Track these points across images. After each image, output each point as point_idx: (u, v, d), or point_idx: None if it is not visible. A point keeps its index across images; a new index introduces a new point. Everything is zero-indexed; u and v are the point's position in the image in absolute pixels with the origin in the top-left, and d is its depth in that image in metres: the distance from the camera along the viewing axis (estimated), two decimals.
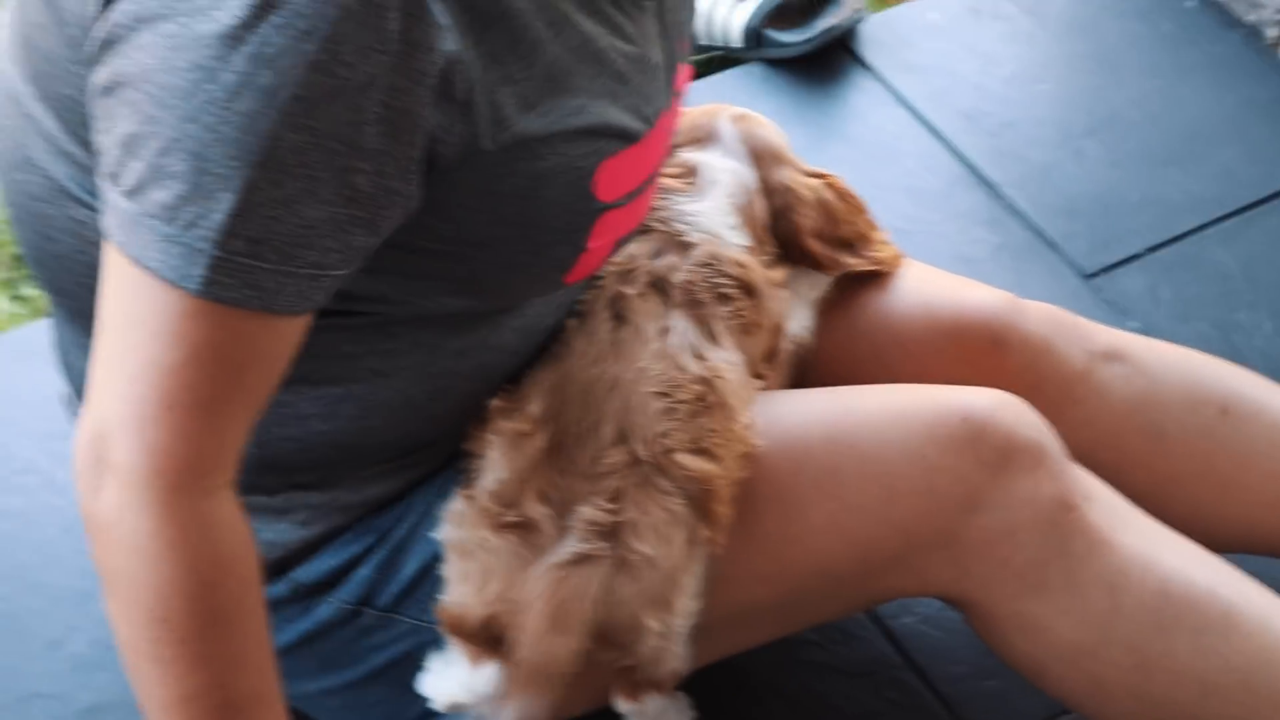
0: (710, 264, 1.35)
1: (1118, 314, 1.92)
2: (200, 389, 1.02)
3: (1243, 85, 2.19)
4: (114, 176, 1.00)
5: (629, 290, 1.33)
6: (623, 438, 1.26)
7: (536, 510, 1.24)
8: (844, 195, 1.49)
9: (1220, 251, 2.00)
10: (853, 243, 1.49)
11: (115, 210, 1.01)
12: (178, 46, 0.95)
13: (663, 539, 1.24)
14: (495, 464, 1.27)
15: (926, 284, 1.58)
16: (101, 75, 1.01)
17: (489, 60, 1.06)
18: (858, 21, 2.20)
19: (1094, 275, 1.98)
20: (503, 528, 1.24)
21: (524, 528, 1.24)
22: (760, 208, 1.42)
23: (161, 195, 0.98)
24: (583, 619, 1.23)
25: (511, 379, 1.32)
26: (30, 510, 1.68)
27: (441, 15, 1.00)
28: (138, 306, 1.02)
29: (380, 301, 1.20)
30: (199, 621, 1.06)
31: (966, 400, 1.35)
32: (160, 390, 1.01)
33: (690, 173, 1.42)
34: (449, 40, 1.02)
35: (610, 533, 1.23)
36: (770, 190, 1.43)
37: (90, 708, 1.55)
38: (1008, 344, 1.52)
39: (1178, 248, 2.01)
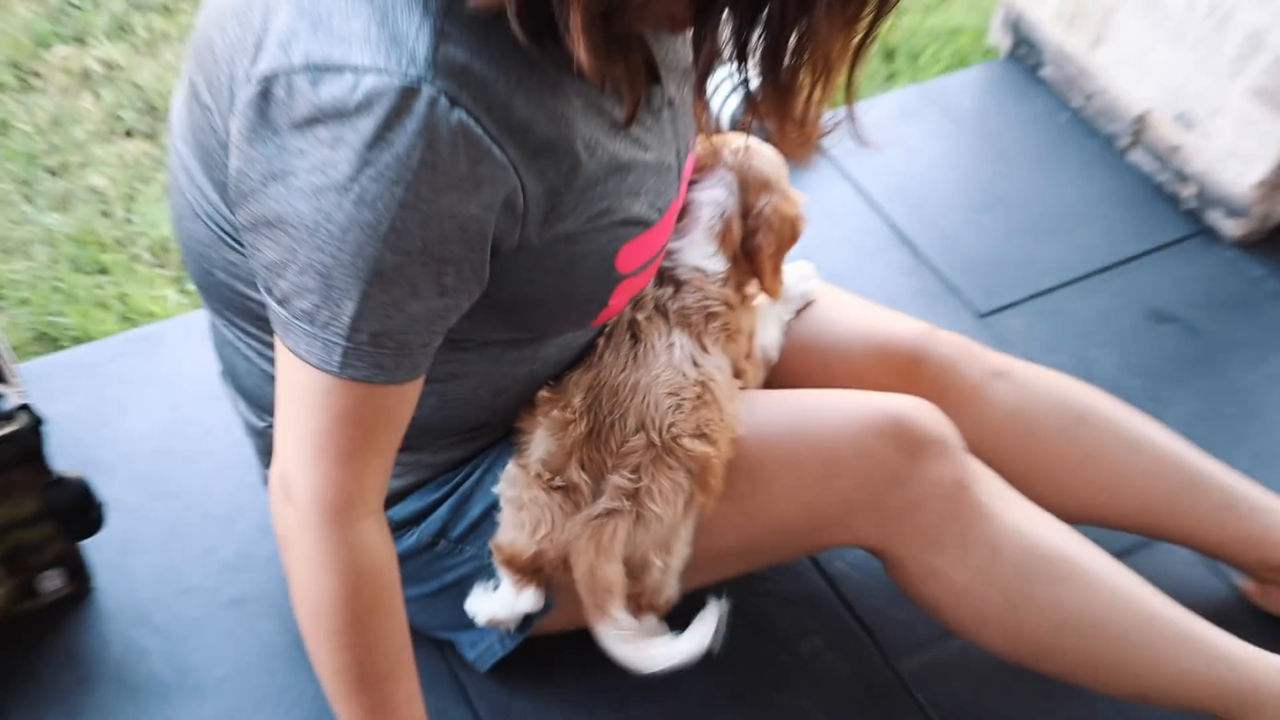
0: (698, 291, 1.39)
1: (1003, 346, 1.87)
2: (343, 444, 1.09)
3: (1101, 180, 2.24)
4: (267, 290, 1.07)
5: (640, 316, 1.36)
6: (642, 426, 1.30)
7: (578, 476, 1.29)
8: (792, 236, 1.48)
9: (1080, 303, 2.05)
10: (775, 255, 1.48)
11: (273, 314, 1.07)
12: (302, 196, 0.99)
13: (669, 502, 1.29)
14: (544, 440, 1.32)
15: (865, 314, 1.62)
16: (243, 216, 1.06)
17: (538, 179, 1.07)
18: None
19: (986, 315, 2.02)
20: (551, 488, 1.30)
21: (567, 489, 1.30)
22: (737, 228, 1.42)
23: (303, 304, 1.03)
24: (619, 552, 1.29)
25: (554, 379, 1.36)
26: (191, 451, 1.72)
27: (501, 155, 1.02)
28: (298, 384, 1.08)
29: (453, 331, 1.19)
30: (343, 619, 1.15)
31: (894, 404, 1.39)
32: (315, 446, 1.09)
33: (685, 210, 1.42)
34: (509, 175, 1.03)
35: (632, 495, 1.28)
36: (748, 213, 1.43)
37: (234, 600, 1.60)
38: (924, 361, 1.56)
39: (1049, 298, 2.06)
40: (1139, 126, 2.23)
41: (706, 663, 1.56)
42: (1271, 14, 1.97)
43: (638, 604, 1.35)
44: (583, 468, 1.30)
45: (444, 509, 1.40)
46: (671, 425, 1.29)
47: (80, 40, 2.23)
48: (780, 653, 1.62)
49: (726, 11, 0.95)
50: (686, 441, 1.30)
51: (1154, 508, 1.62)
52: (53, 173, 2.04)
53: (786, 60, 0.96)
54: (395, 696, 1.23)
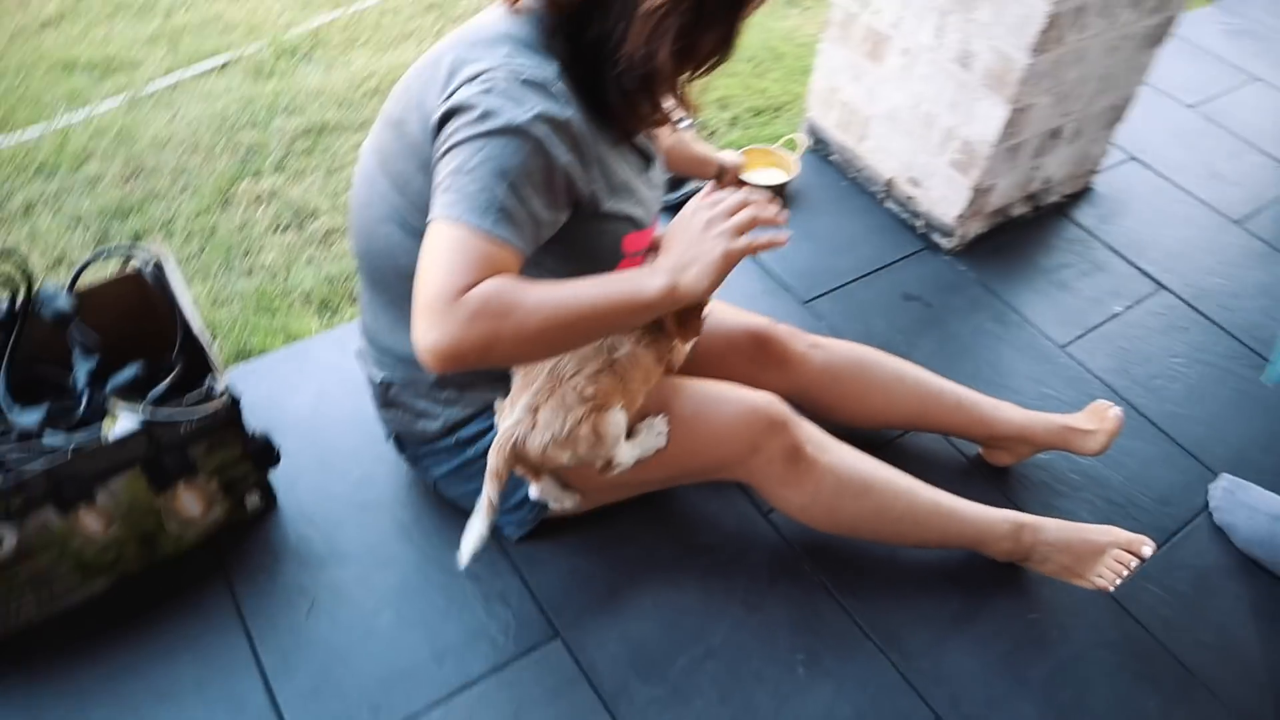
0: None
1: (818, 319, 1.92)
2: (471, 264, 0.97)
3: (869, 218, 2.20)
4: (445, 189, 1.01)
5: None
6: (554, 369, 1.24)
7: (500, 403, 1.28)
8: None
9: (862, 291, 2.01)
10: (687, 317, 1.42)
11: (445, 203, 1.00)
12: (490, 127, 1.00)
13: (559, 418, 1.22)
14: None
15: (736, 313, 1.58)
16: (442, 146, 1.03)
17: (589, 178, 1.11)
18: (699, 189, 2.15)
19: (807, 302, 1.97)
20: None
21: (499, 412, 1.27)
22: None
23: (472, 188, 0.99)
24: (506, 451, 1.23)
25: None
26: (331, 415, 1.66)
27: (587, 145, 1.08)
28: (450, 242, 0.98)
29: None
30: (527, 317, 0.96)
31: (758, 397, 1.36)
32: (451, 269, 0.96)
33: None
34: (588, 160, 1.09)
35: (532, 409, 1.23)
36: None
37: (361, 504, 1.55)
38: (770, 340, 1.53)
39: (843, 289, 2.01)
40: (888, 186, 2.20)
41: (666, 524, 1.48)
42: (958, 119, 1.96)
43: (608, 465, 1.30)
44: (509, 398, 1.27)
45: (490, 436, 1.34)
46: (573, 379, 1.22)
47: (256, 175, 2.17)
48: (698, 532, 1.57)
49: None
50: (583, 390, 1.23)
51: (914, 412, 1.61)
52: (243, 255, 1.99)
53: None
54: (603, 285, 1.02)
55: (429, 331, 0.94)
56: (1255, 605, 1.55)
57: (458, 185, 1.00)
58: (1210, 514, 1.66)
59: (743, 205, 1.05)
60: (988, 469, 1.68)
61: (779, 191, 2.02)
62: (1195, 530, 1.64)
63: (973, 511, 1.45)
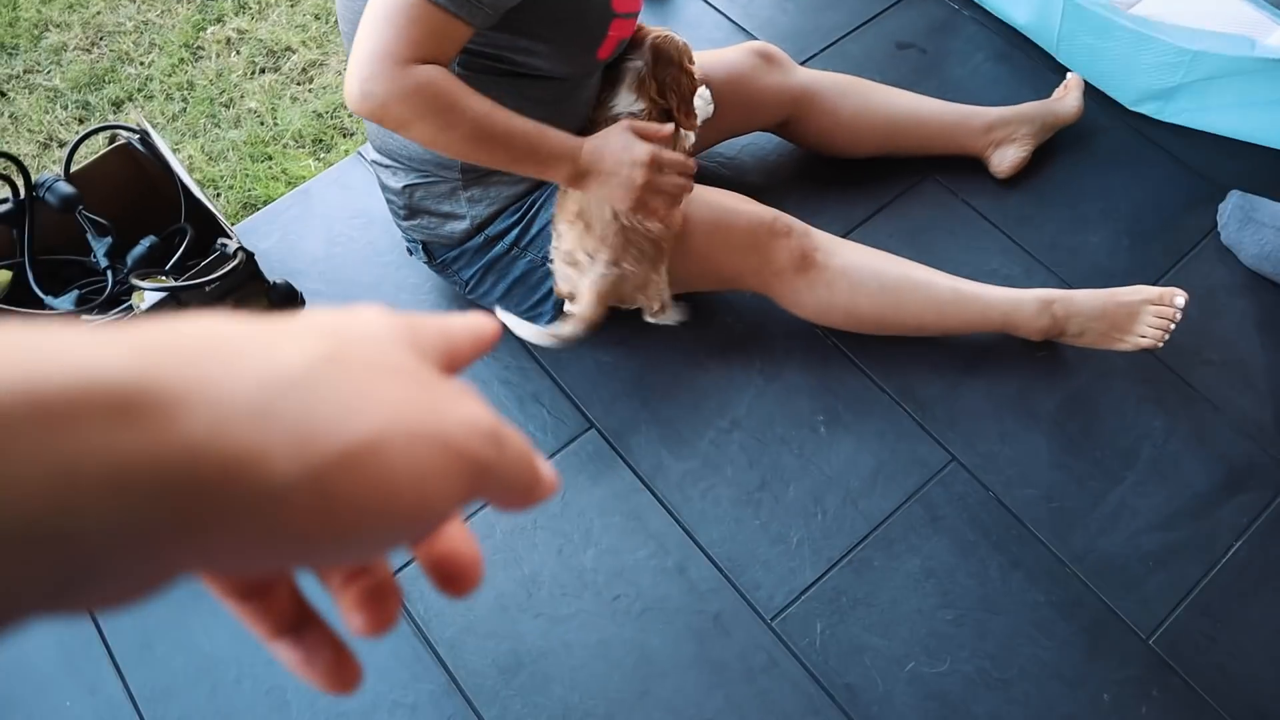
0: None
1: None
2: (414, 39, 1.03)
3: None
4: None
5: None
6: (616, 216, 1.30)
7: (582, 256, 1.33)
8: (689, 79, 1.43)
9: (853, 47, 1.95)
10: (683, 103, 1.41)
11: None
12: None
13: (638, 264, 1.34)
14: (564, 238, 1.34)
15: (726, 50, 1.63)
16: None
17: None
18: None
19: (802, 63, 1.90)
20: (569, 264, 1.33)
21: (577, 264, 1.33)
22: (651, 84, 1.36)
23: None
24: (606, 298, 1.33)
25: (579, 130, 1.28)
26: (345, 253, 1.71)
27: None
28: (393, 7, 1.03)
29: (508, 60, 1.21)
30: (449, 106, 1.06)
31: (765, 211, 1.42)
32: (394, 36, 1.03)
33: (617, 77, 1.38)
34: None
35: (614, 263, 1.32)
36: (656, 75, 1.36)
37: None
38: (765, 50, 1.63)
39: (834, 47, 1.95)
40: None
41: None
42: None
43: (655, 309, 1.41)
44: (583, 250, 1.34)
45: (516, 230, 1.39)
46: (636, 215, 1.30)
47: (220, 20, 2.12)
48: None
49: None
50: (647, 224, 1.32)
51: (906, 133, 1.70)
52: (226, 106, 1.98)
53: None
54: (526, 127, 1.14)
55: (364, 82, 1.03)
56: (1260, 320, 1.59)
57: None
58: (1218, 234, 1.68)
59: (680, 173, 1.22)
60: (1005, 240, 1.69)
61: None
62: (1203, 250, 1.67)
63: (997, 294, 1.45)
